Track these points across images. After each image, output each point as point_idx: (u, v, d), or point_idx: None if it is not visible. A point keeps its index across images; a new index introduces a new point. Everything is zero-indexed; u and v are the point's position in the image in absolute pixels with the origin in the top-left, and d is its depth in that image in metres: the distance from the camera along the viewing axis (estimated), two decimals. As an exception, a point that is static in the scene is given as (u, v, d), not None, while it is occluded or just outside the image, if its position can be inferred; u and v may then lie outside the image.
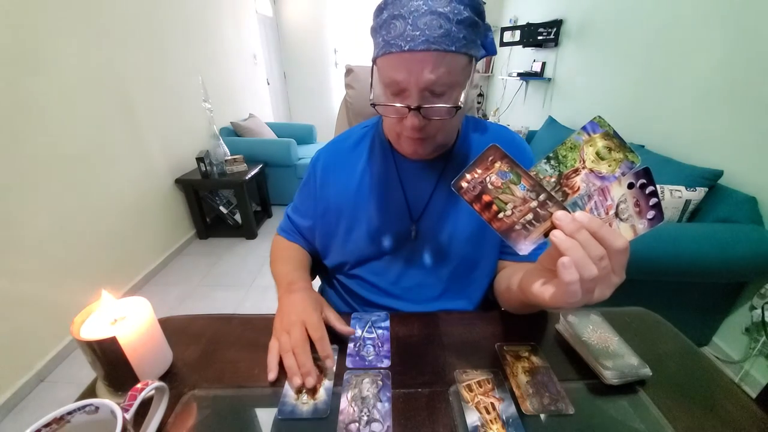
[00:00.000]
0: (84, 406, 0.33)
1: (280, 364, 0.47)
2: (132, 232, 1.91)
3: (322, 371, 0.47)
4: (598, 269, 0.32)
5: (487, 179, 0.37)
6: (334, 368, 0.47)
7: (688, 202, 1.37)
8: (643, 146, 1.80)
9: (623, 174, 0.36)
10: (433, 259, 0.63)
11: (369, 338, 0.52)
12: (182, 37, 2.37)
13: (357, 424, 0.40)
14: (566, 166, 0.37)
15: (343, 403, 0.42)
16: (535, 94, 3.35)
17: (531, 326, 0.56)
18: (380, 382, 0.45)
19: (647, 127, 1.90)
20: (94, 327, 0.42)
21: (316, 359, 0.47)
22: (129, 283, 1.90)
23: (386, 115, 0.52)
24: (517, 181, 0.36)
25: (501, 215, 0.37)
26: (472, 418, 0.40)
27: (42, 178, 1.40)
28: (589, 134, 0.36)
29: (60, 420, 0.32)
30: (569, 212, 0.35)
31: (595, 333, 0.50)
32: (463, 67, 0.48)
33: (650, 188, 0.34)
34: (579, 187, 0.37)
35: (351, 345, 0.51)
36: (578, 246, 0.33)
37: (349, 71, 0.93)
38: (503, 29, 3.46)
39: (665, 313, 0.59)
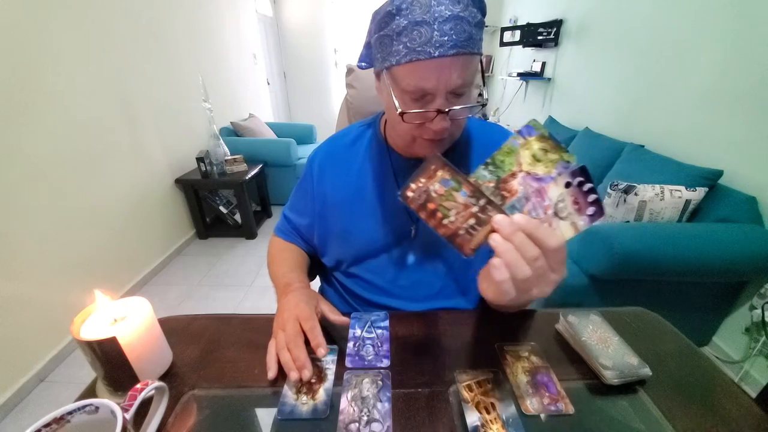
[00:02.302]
0: (84, 406, 0.33)
1: (279, 362, 0.47)
2: (132, 232, 1.92)
3: (321, 373, 0.47)
4: (532, 269, 0.34)
5: (431, 188, 0.38)
6: (334, 360, 0.48)
7: (688, 202, 1.36)
8: (643, 146, 1.80)
9: (559, 174, 0.37)
10: (430, 257, 0.63)
11: (368, 338, 0.52)
12: (182, 37, 2.37)
13: (357, 424, 0.40)
14: (504, 171, 0.38)
15: (343, 403, 0.42)
16: (535, 94, 3.35)
17: (531, 326, 0.56)
18: (380, 382, 0.45)
19: (647, 127, 1.90)
20: (94, 327, 0.42)
21: (315, 360, 0.48)
22: (129, 283, 1.90)
23: (411, 122, 0.51)
24: (458, 188, 0.38)
25: (445, 221, 0.38)
26: (472, 418, 0.40)
27: (42, 178, 1.40)
28: (524, 138, 0.38)
29: (60, 420, 0.32)
30: (508, 215, 0.36)
31: (595, 333, 0.50)
32: (477, 67, 0.50)
33: (588, 185, 0.35)
34: (516, 190, 0.38)
35: (351, 345, 0.51)
36: (513, 248, 0.34)
37: (350, 71, 0.93)
38: (503, 29, 3.46)
39: (665, 313, 0.59)
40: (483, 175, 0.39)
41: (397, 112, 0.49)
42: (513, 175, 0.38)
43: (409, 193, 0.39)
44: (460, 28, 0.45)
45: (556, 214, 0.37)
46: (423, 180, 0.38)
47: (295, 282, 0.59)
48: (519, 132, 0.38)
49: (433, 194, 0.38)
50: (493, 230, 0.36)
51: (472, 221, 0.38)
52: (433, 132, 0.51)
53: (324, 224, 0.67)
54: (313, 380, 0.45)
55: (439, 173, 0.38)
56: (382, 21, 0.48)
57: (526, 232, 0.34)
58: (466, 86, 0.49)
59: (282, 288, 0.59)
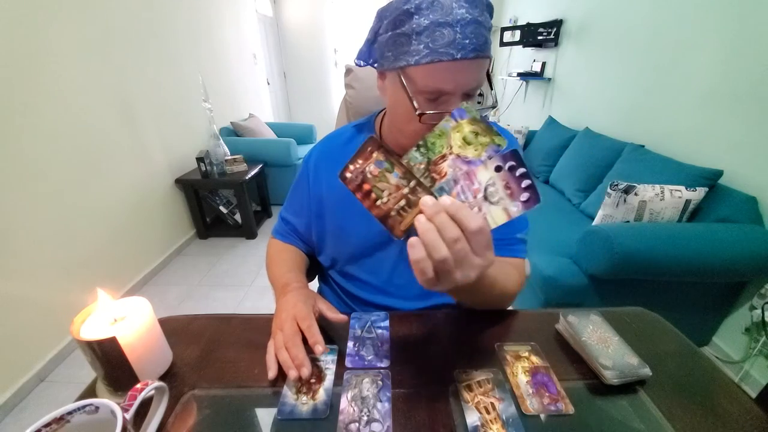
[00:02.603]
0: (84, 406, 0.33)
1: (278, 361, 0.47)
2: (132, 232, 1.92)
3: (321, 373, 0.47)
4: (451, 251, 0.34)
5: (367, 169, 0.39)
6: (334, 360, 0.48)
7: (688, 202, 1.36)
8: (643, 146, 1.80)
9: (489, 158, 0.36)
10: None
11: (368, 338, 0.52)
12: (182, 38, 2.37)
13: (357, 424, 0.40)
14: (434, 153, 0.38)
15: (343, 403, 0.42)
16: (535, 94, 3.35)
17: (531, 326, 0.56)
18: (380, 382, 0.45)
19: (647, 127, 1.90)
20: (94, 327, 0.42)
21: (315, 360, 0.48)
22: (129, 283, 1.90)
23: (429, 122, 0.51)
24: (391, 169, 0.38)
25: (379, 202, 0.39)
26: (472, 418, 0.40)
27: (42, 178, 1.40)
28: (456, 120, 0.38)
29: (60, 420, 0.32)
30: (436, 197, 0.36)
31: (595, 333, 0.50)
32: (486, 69, 0.51)
33: (521, 170, 0.35)
34: (446, 173, 0.38)
35: (350, 345, 0.51)
36: (433, 229, 0.34)
37: (349, 71, 0.93)
38: (503, 29, 3.45)
39: (665, 313, 0.59)
40: (415, 157, 0.39)
41: (417, 113, 0.49)
42: (443, 157, 0.38)
43: (348, 174, 0.39)
44: (479, 32, 0.46)
45: (486, 198, 0.36)
46: (360, 161, 0.39)
47: (293, 282, 0.59)
48: (451, 115, 0.38)
49: (369, 175, 0.39)
50: (421, 212, 0.36)
51: (403, 202, 0.38)
52: None
53: (320, 223, 0.67)
54: (312, 380, 0.45)
55: (375, 154, 0.38)
56: (398, 19, 0.48)
57: (449, 214, 0.34)
58: (478, 88, 0.50)
59: (280, 289, 0.59)
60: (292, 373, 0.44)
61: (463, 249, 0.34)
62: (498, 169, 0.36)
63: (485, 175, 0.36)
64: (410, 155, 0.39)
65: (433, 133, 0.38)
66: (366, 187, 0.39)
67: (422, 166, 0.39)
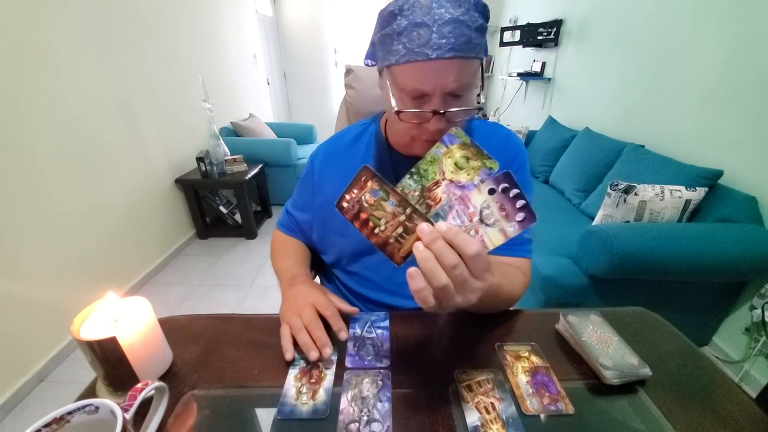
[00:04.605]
0: (84, 406, 0.33)
1: (295, 345, 0.49)
2: (132, 232, 1.92)
3: (321, 373, 0.47)
4: (451, 277, 0.34)
5: (363, 198, 0.39)
6: (334, 360, 0.49)
7: (688, 202, 1.36)
8: (643, 146, 1.80)
9: (482, 181, 0.37)
10: None
11: (369, 338, 0.52)
12: (182, 37, 2.37)
13: (357, 424, 0.40)
14: (428, 179, 0.39)
15: (343, 403, 0.42)
16: (535, 94, 3.35)
17: (531, 326, 0.56)
18: (380, 382, 0.45)
19: (647, 127, 1.90)
20: (94, 327, 0.42)
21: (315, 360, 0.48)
22: (129, 283, 1.90)
23: (408, 121, 0.52)
24: (386, 197, 0.39)
25: (377, 230, 0.39)
26: (472, 418, 0.40)
27: (42, 178, 1.40)
28: (447, 146, 0.38)
29: (60, 420, 0.32)
30: (432, 224, 0.36)
31: (595, 333, 0.50)
32: (476, 70, 0.50)
33: (514, 191, 0.35)
34: (441, 198, 0.39)
35: (350, 345, 0.51)
36: (431, 257, 0.34)
37: (349, 71, 0.93)
38: (503, 29, 3.46)
39: (665, 313, 0.59)
40: (408, 185, 0.40)
41: (393, 111, 0.50)
42: (437, 183, 0.39)
43: (344, 204, 0.40)
44: (459, 32, 0.45)
45: (482, 220, 0.37)
46: (355, 191, 0.39)
47: (300, 276, 0.61)
48: (441, 140, 0.38)
49: (365, 204, 0.39)
50: (419, 239, 0.36)
51: (400, 230, 0.39)
52: (430, 132, 0.51)
53: (324, 221, 0.68)
54: (312, 380, 0.45)
55: (369, 183, 0.39)
56: (385, 20, 0.49)
57: (446, 239, 0.34)
58: (464, 89, 0.49)
59: (288, 280, 0.60)
60: (314, 354, 0.46)
61: (463, 274, 0.34)
62: (491, 191, 0.36)
63: (479, 198, 0.37)
64: (404, 183, 0.40)
65: (424, 160, 0.39)
66: (363, 215, 0.39)
67: (416, 193, 0.39)
